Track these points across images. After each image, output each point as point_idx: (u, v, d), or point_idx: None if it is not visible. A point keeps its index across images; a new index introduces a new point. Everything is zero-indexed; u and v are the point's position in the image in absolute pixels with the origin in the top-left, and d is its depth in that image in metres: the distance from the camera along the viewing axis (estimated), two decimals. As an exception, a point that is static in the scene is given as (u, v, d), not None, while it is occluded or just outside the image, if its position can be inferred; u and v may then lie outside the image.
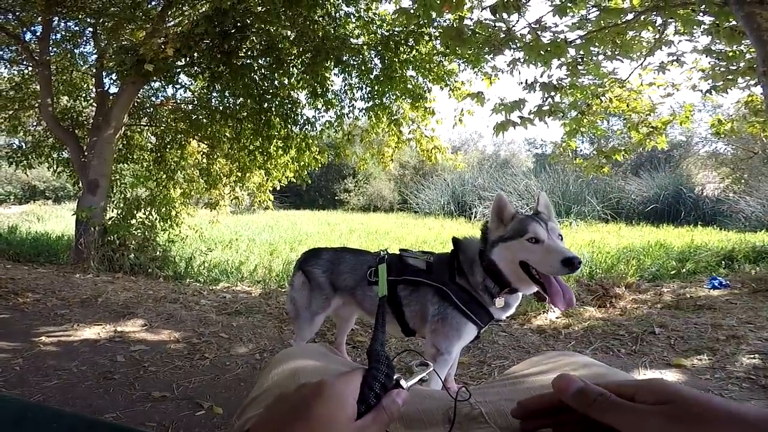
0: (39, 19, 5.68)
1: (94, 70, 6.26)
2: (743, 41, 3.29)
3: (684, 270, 4.88)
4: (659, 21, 3.89)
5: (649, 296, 3.84)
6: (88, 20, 5.88)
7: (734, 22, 3.04)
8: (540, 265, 1.36)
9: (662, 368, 2.29)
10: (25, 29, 5.95)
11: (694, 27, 3.28)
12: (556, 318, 3.28)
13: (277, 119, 6.11)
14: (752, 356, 2.32)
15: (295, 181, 6.90)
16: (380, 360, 0.57)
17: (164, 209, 6.08)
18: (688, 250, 5.85)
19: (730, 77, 4.13)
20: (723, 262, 5.10)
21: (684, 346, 2.56)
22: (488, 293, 1.51)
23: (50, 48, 5.98)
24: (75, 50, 6.43)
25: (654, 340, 2.67)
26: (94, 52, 6.41)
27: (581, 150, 15.21)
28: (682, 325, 2.90)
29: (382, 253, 1.71)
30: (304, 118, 6.35)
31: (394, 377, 0.56)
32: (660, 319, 3.02)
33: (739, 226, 10.27)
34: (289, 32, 5.45)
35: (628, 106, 5.03)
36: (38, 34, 5.87)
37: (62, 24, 6.09)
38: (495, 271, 1.46)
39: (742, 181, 11.68)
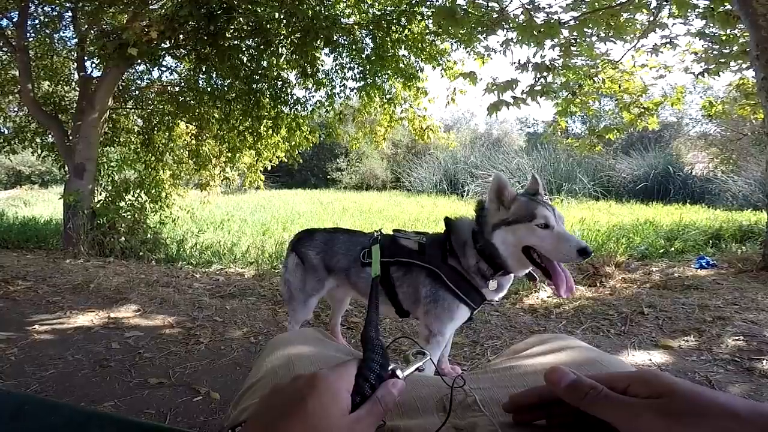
0: (14, 5, 5.49)
1: (75, 55, 6.09)
2: (737, 25, 3.27)
3: (672, 249, 4.97)
4: (654, 3, 3.85)
5: (638, 275, 3.91)
6: (67, 5, 5.69)
7: (729, 6, 3.02)
8: (552, 252, 1.34)
9: (650, 349, 2.35)
10: (1, 15, 5.76)
11: (689, 10, 3.25)
12: (548, 297, 3.34)
13: (267, 99, 6.02)
14: (737, 338, 2.38)
15: (286, 160, 6.86)
16: (374, 349, 0.57)
17: (154, 191, 6.03)
18: (677, 229, 5.94)
19: (722, 60, 4.13)
20: (710, 241, 5.19)
21: (672, 326, 2.63)
22: (481, 275, 1.49)
23: (28, 33, 5.81)
24: (54, 35, 6.26)
25: (643, 321, 2.73)
26: (74, 36, 6.24)
27: (573, 129, 15.24)
28: (670, 305, 2.96)
29: (375, 234, 1.71)
30: (295, 98, 6.27)
31: (390, 367, 0.56)
32: (649, 299, 3.08)
33: (727, 205, 10.45)
34: (277, 13, 5.32)
35: (620, 87, 5.02)
36: (15, 20, 5.69)
37: (39, 9, 5.89)
38: (490, 253, 1.44)
39: (731, 161, 11.81)
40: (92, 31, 5.59)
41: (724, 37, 3.89)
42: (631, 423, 0.44)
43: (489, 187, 1.45)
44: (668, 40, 4.18)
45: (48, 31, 6.13)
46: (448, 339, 1.73)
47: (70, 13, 5.94)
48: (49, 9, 5.91)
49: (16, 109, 6.98)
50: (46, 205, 11.67)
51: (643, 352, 2.32)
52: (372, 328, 0.71)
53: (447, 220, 1.63)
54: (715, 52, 4.17)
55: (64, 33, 6.45)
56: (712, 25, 3.71)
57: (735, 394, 1.86)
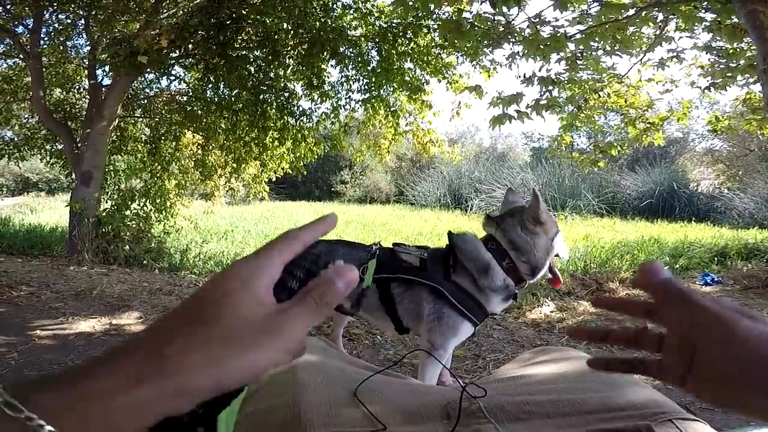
0: (29, 11, 5.60)
1: (87, 62, 6.19)
2: (744, 39, 3.28)
3: (677, 266, 4.92)
4: (660, 17, 3.87)
5: (642, 292, 3.86)
6: (80, 12, 5.80)
7: (736, 20, 3.03)
8: (564, 253, 1.62)
9: (656, 363, 2.31)
10: (16, 22, 5.87)
11: (696, 24, 3.27)
12: (551, 312, 3.30)
13: (273, 111, 6.06)
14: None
15: (290, 171, 6.88)
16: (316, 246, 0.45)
17: (159, 200, 6.05)
18: (682, 246, 5.89)
19: (729, 74, 4.13)
20: (716, 258, 5.14)
21: (678, 341, 2.58)
22: (507, 292, 1.55)
23: (42, 41, 5.91)
24: (67, 42, 6.36)
25: (648, 336, 2.68)
26: (86, 44, 6.34)
27: (578, 144, 15.25)
28: (676, 320, 2.91)
29: (374, 247, 1.66)
30: (300, 109, 6.32)
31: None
32: (654, 315, 3.03)
33: (732, 223, 10.35)
34: (285, 24, 5.40)
35: (626, 101, 5.02)
36: (30, 27, 5.80)
37: (54, 17, 6.01)
38: (534, 266, 1.54)
39: (737, 178, 11.75)
40: (104, 39, 5.67)
41: (731, 51, 3.90)
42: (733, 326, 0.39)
43: (530, 206, 1.54)
44: (675, 53, 4.19)
45: (61, 39, 6.23)
46: (449, 354, 1.71)
47: (83, 21, 6.05)
48: (63, 16, 6.02)
49: (27, 116, 7.07)
50: (52, 212, 11.74)
51: (649, 367, 2.27)
52: None
53: (450, 236, 1.62)
54: (721, 66, 4.17)
55: (77, 40, 6.56)
56: (718, 38, 3.72)
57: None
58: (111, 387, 0.27)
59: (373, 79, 5.95)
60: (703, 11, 3.33)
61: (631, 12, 3.61)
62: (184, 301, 0.33)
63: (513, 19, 3.61)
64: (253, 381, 0.32)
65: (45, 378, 0.28)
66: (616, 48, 4.01)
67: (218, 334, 0.30)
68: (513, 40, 3.79)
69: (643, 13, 3.60)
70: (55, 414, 0.25)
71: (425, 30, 5.66)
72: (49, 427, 0.25)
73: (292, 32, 5.38)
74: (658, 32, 4.04)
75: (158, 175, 6.57)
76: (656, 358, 0.45)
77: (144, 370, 0.28)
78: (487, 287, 1.52)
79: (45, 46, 6.11)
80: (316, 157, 6.87)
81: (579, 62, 4.09)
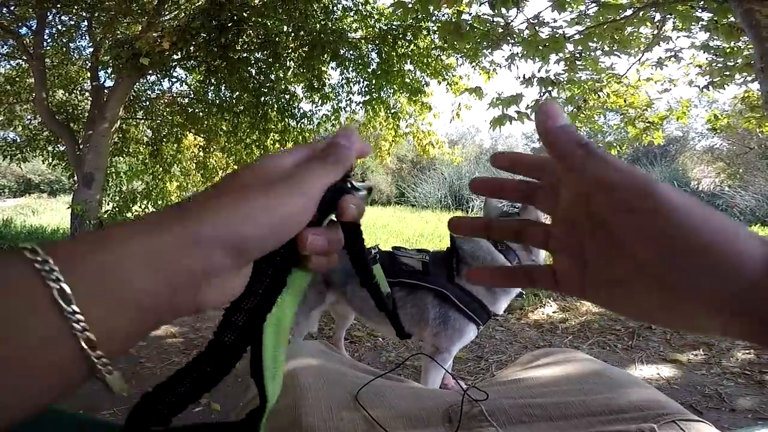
0: (33, 13, 5.63)
1: (90, 64, 6.20)
2: (741, 38, 3.29)
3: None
4: (658, 17, 3.88)
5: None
6: (83, 14, 5.81)
7: (732, 19, 3.04)
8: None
9: (658, 363, 2.32)
10: (20, 24, 5.89)
11: (693, 23, 3.28)
12: (553, 312, 3.30)
13: (274, 113, 6.08)
14: (747, 351, 2.35)
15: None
16: None
17: (161, 201, 6.06)
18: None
19: (727, 73, 4.14)
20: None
21: (680, 341, 2.59)
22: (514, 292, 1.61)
23: (45, 42, 5.92)
24: (70, 44, 6.38)
25: (650, 335, 2.69)
26: (89, 45, 6.36)
27: (578, 144, 15.21)
28: (677, 320, 2.92)
29: (373, 251, 1.67)
30: (301, 111, 6.33)
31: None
32: (656, 314, 3.04)
33: (734, 220, 10.34)
34: (285, 27, 5.41)
35: (625, 101, 5.02)
36: (33, 28, 5.82)
37: (57, 18, 6.03)
38: None
39: (738, 175, 11.74)
40: (107, 41, 5.69)
41: (728, 50, 3.91)
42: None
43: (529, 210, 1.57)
44: (673, 53, 4.20)
45: (64, 40, 6.25)
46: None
47: (86, 23, 6.07)
48: (67, 18, 6.03)
49: (30, 117, 7.09)
50: (53, 214, 11.75)
51: (651, 366, 2.28)
52: None
53: (453, 238, 1.62)
54: (719, 65, 4.18)
55: (79, 42, 6.57)
56: (716, 37, 3.72)
57: (744, 408, 1.83)
58: (126, 234, 0.26)
59: (374, 81, 5.96)
60: (700, 11, 3.33)
61: (629, 12, 3.62)
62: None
63: (512, 21, 3.62)
64: (271, 235, 0.30)
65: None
66: (614, 48, 4.01)
67: (237, 185, 0.31)
68: (512, 41, 3.79)
69: (641, 13, 3.60)
70: (66, 259, 0.24)
71: (425, 32, 5.67)
72: (57, 273, 0.23)
73: (292, 35, 5.39)
74: (655, 32, 4.04)
75: (160, 177, 6.59)
76: (544, 266, 0.37)
77: (163, 218, 0.27)
78: (501, 288, 1.53)
79: (48, 48, 6.13)
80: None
81: (578, 63, 4.09)
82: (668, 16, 3.79)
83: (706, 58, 4.41)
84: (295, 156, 0.35)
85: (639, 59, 4.47)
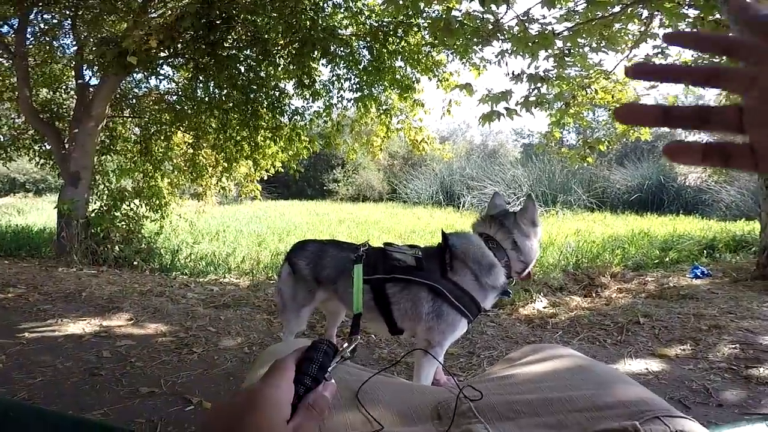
0: (14, 12, 5.52)
1: (74, 62, 6.11)
2: (727, 34, 3.34)
3: (667, 259, 4.98)
4: (645, 14, 3.91)
5: (633, 285, 3.91)
6: (67, 12, 5.71)
7: (719, 16, 3.07)
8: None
9: (647, 358, 2.34)
10: (1, 22, 5.78)
11: (679, 20, 3.31)
12: (544, 308, 3.33)
13: (264, 110, 6.04)
14: (734, 346, 2.38)
15: (283, 171, 6.86)
16: (318, 348, 0.56)
17: (153, 199, 6.00)
18: (671, 239, 5.97)
19: (713, 69, 4.19)
20: (705, 251, 5.21)
21: (668, 336, 2.62)
22: (503, 289, 1.62)
23: (27, 40, 5.82)
24: (54, 42, 6.28)
25: (639, 330, 2.72)
26: (73, 44, 6.27)
27: (567, 140, 15.36)
28: (665, 314, 2.96)
29: (361, 249, 1.61)
30: (293, 108, 6.30)
31: (329, 368, 0.55)
32: (644, 309, 3.08)
33: (720, 215, 10.52)
34: (275, 23, 5.38)
35: (613, 97, 5.07)
36: (15, 27, 5.71)
37: (40, 16, 5.92)
38: (526, 264, 1.63)
39: (724, 171, 11.92)
40: (92, 39, 5.60)
41: (713, 46, 3.96)
42: None
43: (528, 210, 1.65)
44: (660, 50, 4.25)
45: (48, 39, 6.15)
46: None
47: (69, 21, 5.96)
48: (49, 16, 5.93)
49: (14, 116, 6.97)
50: (39, 213, 11.58)
51: (639, 360, 2.31)
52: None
53: (445, 235, 1.63)
54: (705, 62, 4.24)
55: (63, 40, 6.48)
56: (702, 34, 3.77)
57: (731, 403, 1.86)
58: None
59: (365, 78, 5.95)
60: (687, 8, 3.36)
61: (617, 9, 3.65)
62: (225, 419, 0.48)
63: (501, 17, 3.63)
64: None
65: None
66: (602, 45, 4.04)
67: None
68: (502, 37, 3.80)
69: (629, 10, 3.63)
70: None
71: (415, 29, 5.66)
72: None
73: (282, 31, 5.36)
74: (643, 29, 4.08)
75: (150, 174, 6.52)
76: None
77: None
78: (490, 285, 1.56)
79: (31, 46, 6.03)
80: (311, 153, 6.87)
81: (567, 59, 4.12)
82: (655, 13, 3.83)
83: (692, 55, 4.47)
84: (286, 392, 0.50)
85: (627, 56, 4.51)
